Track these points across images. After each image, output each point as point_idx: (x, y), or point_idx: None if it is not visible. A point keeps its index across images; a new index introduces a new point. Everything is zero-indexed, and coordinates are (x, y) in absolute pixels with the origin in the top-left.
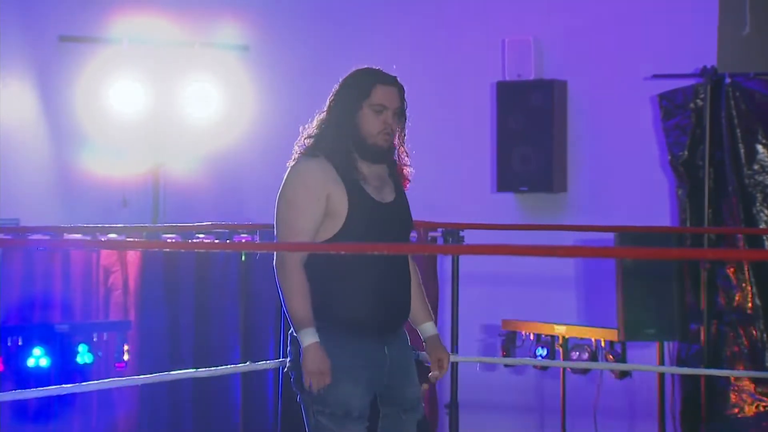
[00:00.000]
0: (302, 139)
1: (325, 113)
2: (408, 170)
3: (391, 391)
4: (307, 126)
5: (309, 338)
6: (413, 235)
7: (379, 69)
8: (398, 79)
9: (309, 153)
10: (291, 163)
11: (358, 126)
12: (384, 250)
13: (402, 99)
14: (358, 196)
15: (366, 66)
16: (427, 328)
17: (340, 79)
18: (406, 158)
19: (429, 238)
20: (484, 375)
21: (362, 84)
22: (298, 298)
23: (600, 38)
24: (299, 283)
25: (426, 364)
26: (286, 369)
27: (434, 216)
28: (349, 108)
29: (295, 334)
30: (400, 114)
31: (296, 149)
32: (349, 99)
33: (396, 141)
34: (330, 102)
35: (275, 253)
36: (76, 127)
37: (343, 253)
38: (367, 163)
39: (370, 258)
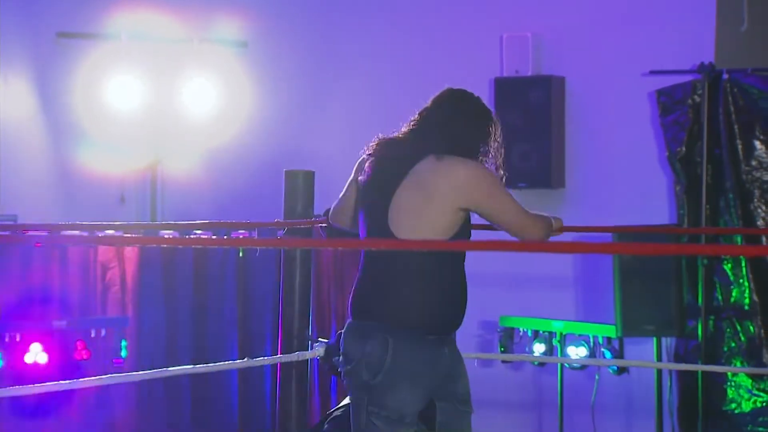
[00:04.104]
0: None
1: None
2: None
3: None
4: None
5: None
6: None
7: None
8: None
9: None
10: (460, 161)
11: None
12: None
13: None
14: None
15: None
16: None
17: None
18: None
19: None
20: (481, 371)
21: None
22: (539, 219)
23: (598, 34)
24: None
25: None
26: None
27: None
28: (493, 137)
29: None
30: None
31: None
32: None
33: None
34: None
35: (536, 228)
36: (74, 123)
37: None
38: None
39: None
